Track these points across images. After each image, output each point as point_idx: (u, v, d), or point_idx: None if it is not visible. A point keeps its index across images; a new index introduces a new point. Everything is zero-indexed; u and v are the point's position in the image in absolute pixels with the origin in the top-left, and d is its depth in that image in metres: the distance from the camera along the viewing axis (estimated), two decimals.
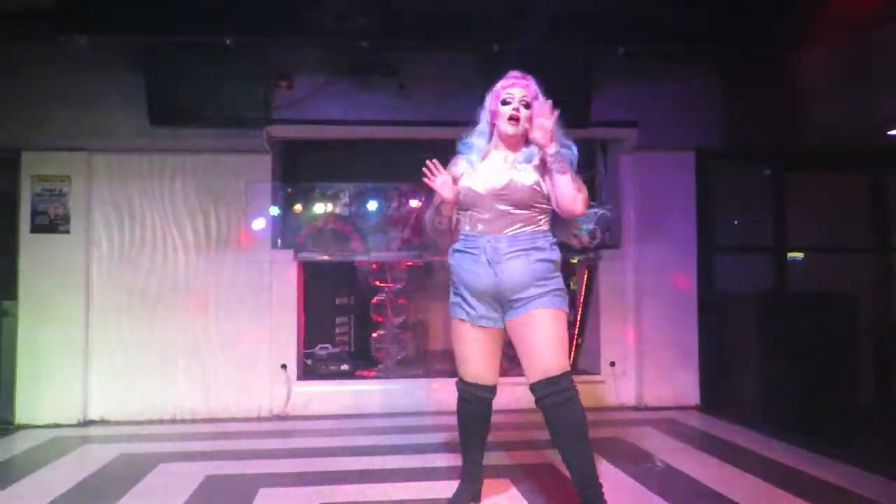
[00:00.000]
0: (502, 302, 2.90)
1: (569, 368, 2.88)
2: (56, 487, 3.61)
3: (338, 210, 6.38)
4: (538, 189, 2.88)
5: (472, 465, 3.20)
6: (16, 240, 5.19)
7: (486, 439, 3.22)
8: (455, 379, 3.15)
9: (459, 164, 3.02)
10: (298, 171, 6.39)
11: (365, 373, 5.77)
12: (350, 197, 6.30)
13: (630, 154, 5.74)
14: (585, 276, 6.09)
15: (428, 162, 2.89)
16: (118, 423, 5.18)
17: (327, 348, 6.10)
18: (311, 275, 5.91)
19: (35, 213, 5.20)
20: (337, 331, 6.42)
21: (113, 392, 5.25)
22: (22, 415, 5.11)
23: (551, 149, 2.83)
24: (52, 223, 5.21)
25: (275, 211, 5.64)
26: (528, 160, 2.93)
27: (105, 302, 5.29)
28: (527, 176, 2.88)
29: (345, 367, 5.79)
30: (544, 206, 2.92)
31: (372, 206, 6.24)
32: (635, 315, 5.68)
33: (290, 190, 6.11)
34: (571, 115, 5.25)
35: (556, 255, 2.93)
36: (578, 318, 6.20)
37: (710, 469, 3.81)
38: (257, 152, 5.42)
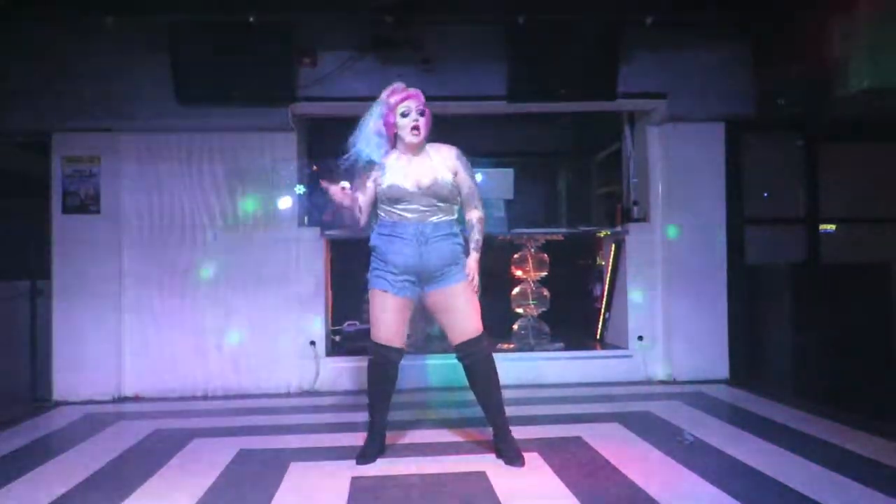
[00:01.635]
0: (422, 277, 3.45)
1: (482, 330, 3.48)
2: (94, 462, 3.69)
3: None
4: (454, 187, 3.48)
5: (381, 421, 3.65)
6: (48, 220, 5.28)
7: (390, 402, 3.64)
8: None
9: (372, 172, 3.50)
10: (324, 148, 6.40)
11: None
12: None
13: (658, 126, 5.66)
14: (613, 250, 6.05)
15: (340, 191, 3.49)
16: (152, 399, 5.28)
17: (355, 325, 6.14)
18: (337, 252, 5.93)
19: (66, 194, 5.28)
20: (364, 307, 6.44)
21: (146, 369, 5.35)
22: (59, 391, 5.23)
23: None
24: (82, 203, 5.28)
25: (301, 189, 5.66)
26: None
27: (136, 280, 5.37)
28: (446, 175, 3.45)
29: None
30: (457, 199, 3.52)
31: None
32: (664, 288, 5.64)
33: (315, 167, 6.12)
34: (599, 88, 5.31)
35: (462, 239, 3.53)
36: (606, 293, 6.18)
37: (742, 444, 3.78)
38: (283, 130, 5.43)
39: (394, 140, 3.49)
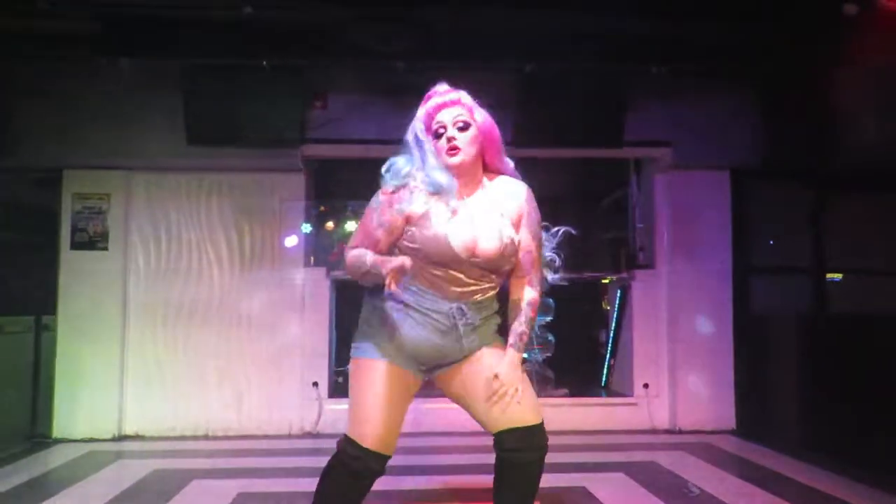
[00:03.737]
0: (438, 366, 2.38)
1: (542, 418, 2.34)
2: (91, 502, 3.64)
3: None
4: (511, 243, 2.30)
5: None
6: (56, 256, 5.31)
7: None
8: None
9: (412, 199, 2.27)
10: (332, 189, 6.45)
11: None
12: None
13: (664, 173, 5.69)
14: (618, 297, 6.03)
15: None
16: (152, 438, 5.24)
17: None
18: (343, 292, 5.93)
19: (75, 230, 5.31)
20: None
21: (148, 407, 5.31)
22: (59, 428, 5.19)
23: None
24: (91, 240, 5.31)
25: (308, 229, 5.69)
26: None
27: (141, 318, 5.37)
28: (512, 233, 2.30)
29: None
30: (511, 264, 2.36)
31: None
32: (669, 336, 5.60)
33: (322, 208, 6.16)
34: (605, 135, 5.35)
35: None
36: (611, 339, 6.14)
37: (748, 497, 3.73)
38: (292, 171, 5.48)
39: None
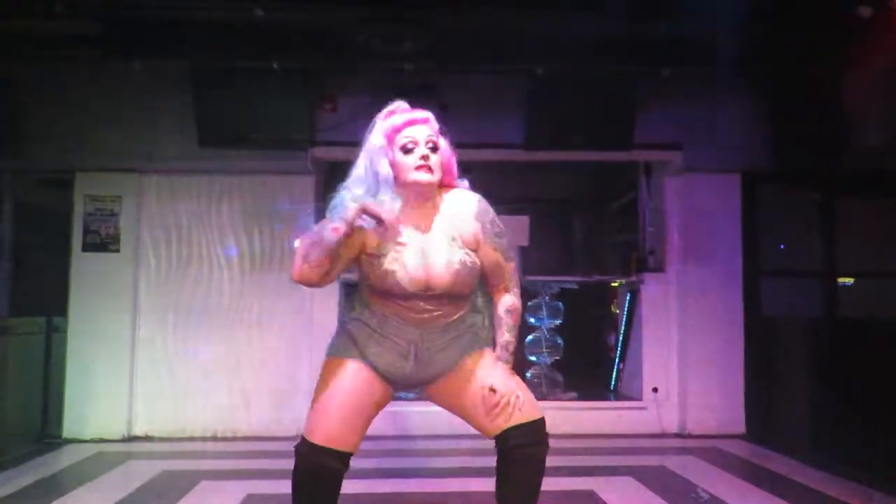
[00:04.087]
0: (415, 384, 2.36)
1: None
2: (100, 503, 3.66)
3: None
4: (470, 260, 2.25)
5: None
6: (68, 258, 5.33)
7: None
8: None
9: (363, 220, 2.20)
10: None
11: (404, 393, 5.74)
12: None
13: (674, 176, 5.67)
14: (627, 300, 6.01)
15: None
16: (161, 439, 5.25)
17: None
18: (351, 295, 5.93)
19: (87, 232, 5.34)
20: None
21: (157, 408, 5.33)
22: (69, 429, 5.21)
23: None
24: (102, 242, 5.34)
25: None
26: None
27: (151, 320, 5.39)
28: (468, 257, 2.24)
29: None
30: (477, 279, 2.32)
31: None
32: (679, 340, 5.58)
33: None
34: (615, 138, 5.34)
35: (486, 320, 2.40)
36: (620, 343, 6.12)
37: (758, 501, 3.71)
38: (301, 174, 5.49)
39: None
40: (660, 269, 5.76)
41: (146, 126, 5.34)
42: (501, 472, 2.29)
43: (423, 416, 5.33)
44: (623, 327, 6.08)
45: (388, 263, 2.20)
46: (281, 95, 5.15)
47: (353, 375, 2.26)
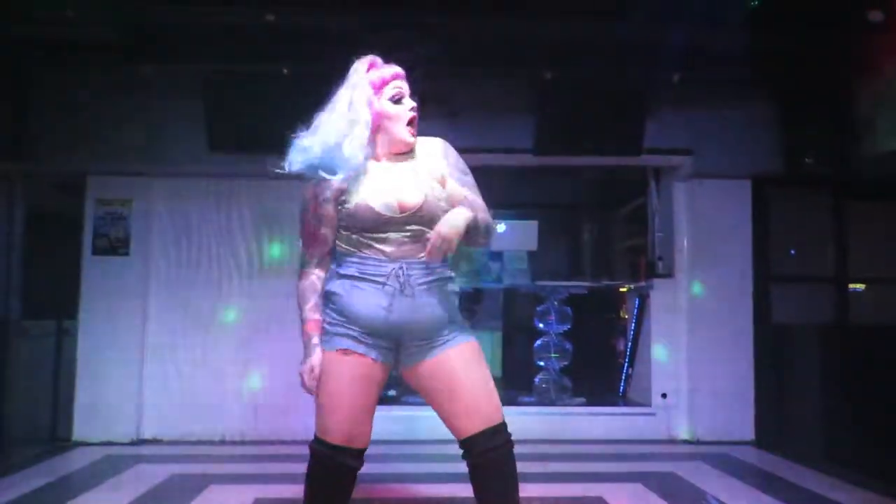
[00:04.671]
0: (401, 344, 2.27)
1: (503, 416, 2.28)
2: None
3: None
4: (446, 203, 2.26)
5: None
6: (78, 261, 5.36)
7: None
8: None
9: (332, 184, 2.29)
10: None
11: (413, 398, 5.74)
12: None
13: (684, 182, 5.66)
14: (636, 305, 5.99)
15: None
16: (170, 442, 5.26)
17: None
18: None
19: (97, 236, 5.37)
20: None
21: (166, 412, 5.34)
22: (79, 432, 5.23)
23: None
24: (112, 245, 5.36)
25: None
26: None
27: (161, 323, 5.41)
28: (437, 187, 2.27)
29: (392, 392, 5.78)
30: None
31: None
32: (688, 345, 5.55)
33: None
34: (624, 144, 5.33)
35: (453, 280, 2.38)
36: (629, 348, 6.10)
37: None
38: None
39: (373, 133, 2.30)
40: (669, 274, 5.73)
41: (156, 130, 5.36)
42: (476, 482, 2.25)
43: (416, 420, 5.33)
44: (632, 333, 6.06)
45: (360, 195, 2.23)
46: (290, 100, 5.15)
47: (352, 366, 2.24)
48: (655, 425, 5.51)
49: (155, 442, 5.30)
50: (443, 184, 2.29)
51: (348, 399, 2.23)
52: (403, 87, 2.33)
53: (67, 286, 5.39)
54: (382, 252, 2.23)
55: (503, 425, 2.24)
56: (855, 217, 5.72)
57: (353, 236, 2.27)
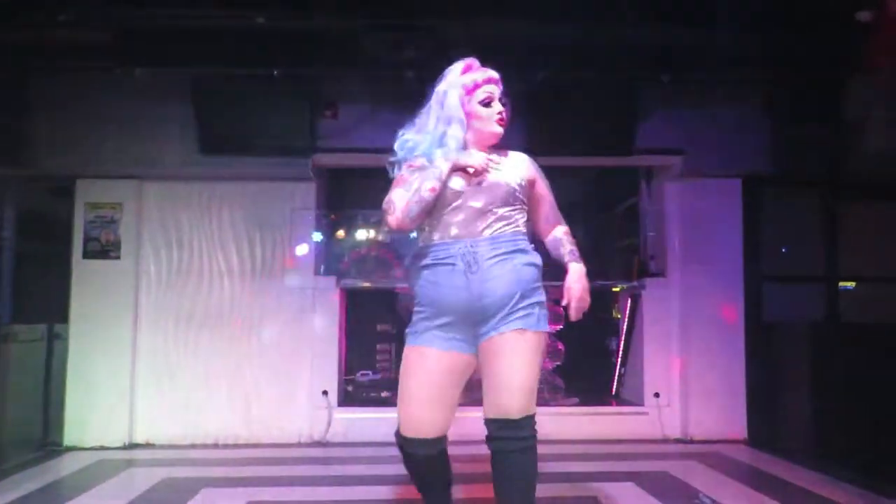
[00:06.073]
0: (478, 322, 2.41)
1: (533, 412, 2.40)
2: None
3: (381, 237, 6.41)
4: (522, 186, 2.53)
5: None
6: (69, 265, 5.33)
7: (451, 485, 2.69)
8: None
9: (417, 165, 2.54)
10: (343, 198, 6.46)
11: None
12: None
13: (675, 181, 5.67)
14: (629, 305, 6.01)
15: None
16: (163, 446, 5.24)
17: (368, 375, 6.11)
18: (353, 301, 5.94)
19: (87, 240, 5.34)
20: (378, 357, 6.45)
21: (158, 416, 5.32)
22: (70, 436, 5.20)
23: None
24: (103, 249, 5.34)
25: (318, 238, 5.70)
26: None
27: (152, 327, 5.39)
28: (510, 174, 2.53)
29: (385, 393, 5.79)
30: (524, 206, 2.57)
31: (415, 233, 6.26)
32: (680, 345, 5.57)
33: (333, 217, 6.18)
34: (615, 143, 5.34)
35: (539, 259, 2.56)
36: (621, 348, 6.12)
37: None
38: (303, 180, 5.50)
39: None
40: (661, 273, 5.75)
41: (147, 133, 5.34)
42: (491, 467, 2.42)
43: None
44: (624, 332, 6.07)
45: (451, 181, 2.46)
46: (282, 102, 5.16)
47: (426, 361, 2.42)
48: (648, 424, 5.52)
49: (147, 446, 5.27)
50: (532, 185, 2.60)
51: (416, 392, 2.41)
52: (494, 91, 2.58)
53: (58, 290, 5.36)
54: (450, 233, 2.44)
55: (520, 422, 2.34)
56: (845, 215, 5.75)
57: (427, 226, 2.51)
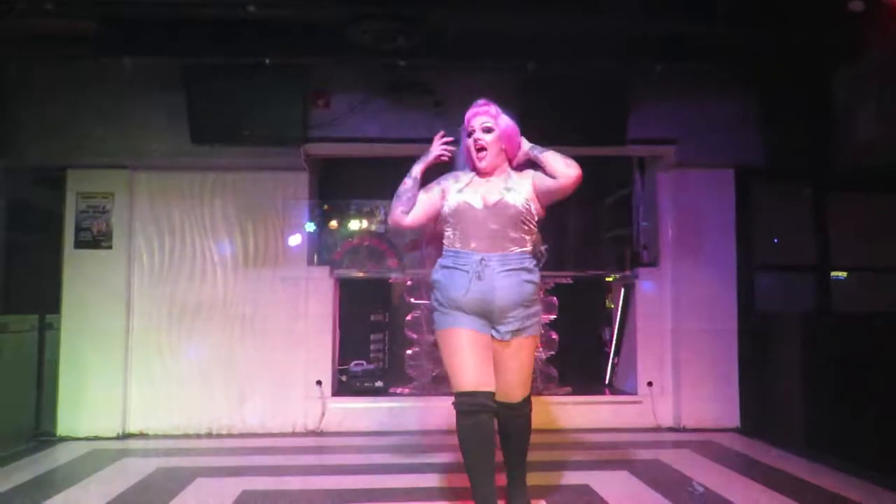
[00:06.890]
0: (489, 318, 2.97)
1: (528, 393, 3.09)
2: (95, 500, 3.66)
3: (373, 227, 6.40)
4: (528, 208, 3.01)
5: (485, 491, 2.86)
6: (60, 255, 5.31)
7: (494, 465, 2.92)
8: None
9: (444, 182, 3.14)
10: (335, 188, 6.44)
11: (399, 390, 5.75)
12: (385, 214, 6.33)
13: (668, 172, 5.68)
14: (622, 295, 6.02)
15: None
16: (156, 436, 5.25)
17: (362, 365, 6.11)
18: (346, 291, 5.93)
19: (79, 230, 5.32)
20: (372, 347, 6.46)
21: (151, 406, 5.32)
22: (63, 427, 5.20)
23: (525, 147, 3.11)
24: (94, 239, 5.32)
25: (311, 228, 5.69)
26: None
27: (145, 317, 5.38)
28: (517, 196, 3.01)
29: (379, 383, 5.79)
30: (532, 227, 3.06)
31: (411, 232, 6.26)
32: (673, 334, 5.59)
33: (326, 207, 6.16)
34: (608, 134, 5.34)
35: (538, 276, 3.06)
36: (615, 337, 6.14)
37: (753, 495, 3.72)
38: (295, 170, 5.48)
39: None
40: (654, 263, 5.77)
41: (138, 123, 5.31)
42: (498, 428, 3.02)
43: (420, 411, 5.36)
44: (617, 322, 6.09)
45: (458, 197, 3.02)
46: (274, 92, 5.13)
47: (462, 337, 2.92)
48: (641, 413, 5.55)
49: (141, 436, 5.27)
50: (529, 193, 3.03)
51: (466, 357, 2.90)
52: (475, 122, 3.06)
53: (50, 280, 5.34)
54: (469, 245, 2.98)
55: (518, 404, 3.05)
56: (837, 206, 5.76)
57: (451, 231, 3.03)
